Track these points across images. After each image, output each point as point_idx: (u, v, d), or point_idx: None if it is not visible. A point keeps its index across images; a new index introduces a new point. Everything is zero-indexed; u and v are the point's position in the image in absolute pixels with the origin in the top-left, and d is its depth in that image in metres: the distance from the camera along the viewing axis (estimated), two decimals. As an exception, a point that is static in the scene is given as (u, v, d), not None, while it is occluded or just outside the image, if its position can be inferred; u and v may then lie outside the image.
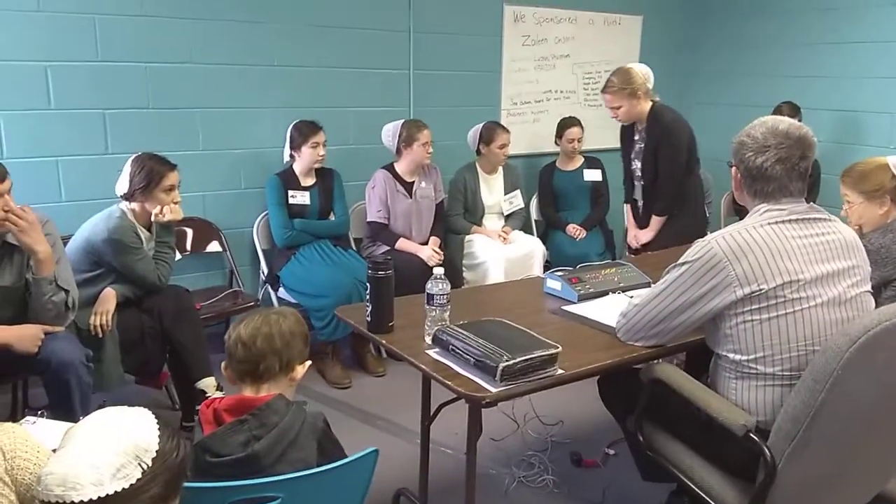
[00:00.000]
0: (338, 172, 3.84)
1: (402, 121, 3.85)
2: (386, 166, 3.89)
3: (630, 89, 3.37)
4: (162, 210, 2.87)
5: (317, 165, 3.67)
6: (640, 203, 3.68)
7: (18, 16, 3.13)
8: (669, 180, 3.46)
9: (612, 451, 2.90)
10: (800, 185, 1.81)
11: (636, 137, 3.58)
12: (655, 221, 3.58)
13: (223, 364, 1.63)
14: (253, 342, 1.57)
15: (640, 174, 3.60)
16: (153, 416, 1.15)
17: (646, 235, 3.62)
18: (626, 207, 3.81)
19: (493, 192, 4.30)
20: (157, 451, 1.10)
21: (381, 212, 3.82)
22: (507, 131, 4.21)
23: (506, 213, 4.32)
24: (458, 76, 4.46)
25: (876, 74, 4.44)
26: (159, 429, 1.13)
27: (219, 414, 1.51)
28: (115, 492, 1.04)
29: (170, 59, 3.51)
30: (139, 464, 1.08)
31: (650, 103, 3.45)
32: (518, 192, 4.34)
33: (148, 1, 3.40)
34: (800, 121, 4.21)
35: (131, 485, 1.06)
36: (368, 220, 3.88)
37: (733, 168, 1.88)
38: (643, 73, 3.41)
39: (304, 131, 3.61)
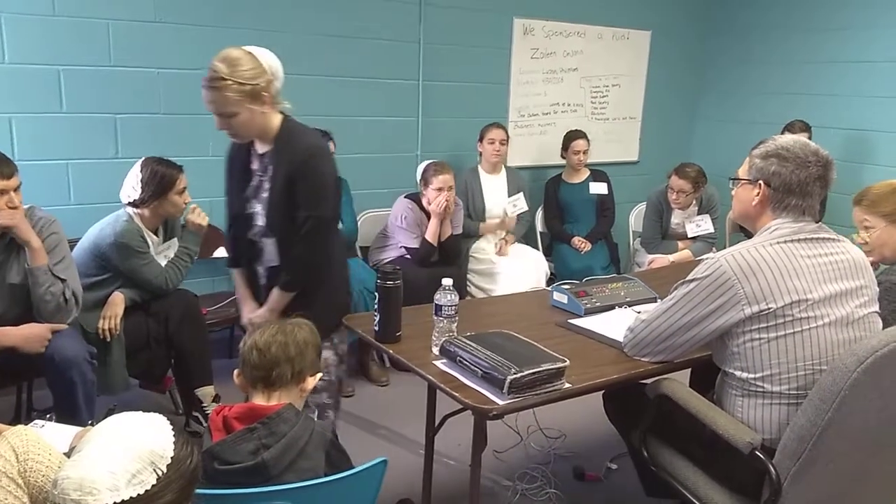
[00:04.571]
0: (346, 181, 3.85)
1: (431, 161, 3.83)
2: (410, 195, 3.86)
3: (252, 88, 2.11)
4: (195, 212, 2.97)
5: None
6: (262, 267, 2.37)
7: (34, 19, 3.16)
8: (312, 233, 2.20)
9: (614, 466, 2.90)
10: (819, 207, 1.83)
11: (254, 166, 2.31)
12: (277, 298, 2.28)
13: (236, 371, 1.65)
14: (268, 349, 1.60)
15: (263, 223, 2.29)
16: (168, 422, 1.16)
17: (261, 317, 2.32)
18: (235, 273, 2.47)
19: (496, 194, 4.29)
20: (171, 458, 1.11)
21: (417, 237, 3.74)
22: (500, 127, 4.20)
23: (509, 216, 4.30)
24: (467, 87, 4.49)
25: (886, 94, 4.45)
26: (174, 435, 1.14)
27: (228, 421, 1.52)
28: (130, 497, 1.05)
29: (182, 66, 3.54)
30: (154, 470, 1.08)
31: (280, 115, 2.24)
32: (521, 194, 4.29)
33: (161, 8, 3.43)
34: (810, 138, 4.20)
35: (146, 491, 1.07)
36: (410, 247, 3.76)
37: (760, 182, 1.82)
38: (271, 66, 2.18)
39: None
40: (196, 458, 1.16)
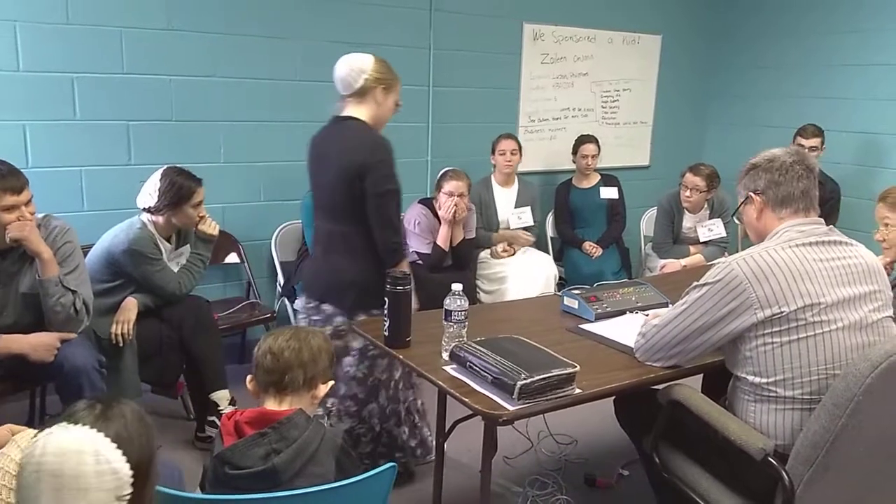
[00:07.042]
0: None
1: (449, 168, 3.82)
2: (424, 201, 3.86)
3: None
4: (206, 222, 3.00)
5: None
6: None
7: (48, 28, 3.19)
8: None
9: (626, 472, 2.88)
10: (820, 205, 1.87)
11: None
12: None
13: (249, 377, 1.66)
14: (281, 353, 1.61)
15: None
16: (99, 435, 1.12)
17: None
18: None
19: (508, 206, 4.28)
20: (130, 467, 1.10)
21: (430, 243, 3.74)
22: (511, 138, 4.19)
23: (513, 228, 4.28)
24: (477, 93, 4.49)
25: (899, 97, 4.42)
26: (116, 447, 1.11)
27: (240, 426, 1.52)
28: None
29: (194, 73, 3.56)
30: (121, 492, 1.09)
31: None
32: (528, 208, 4.28)
33: (174, 16, 3.46)
34: (823, 143, 4.17)
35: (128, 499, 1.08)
36: (422, 252, 3.75)
37: (750, 195, 1.89)
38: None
39: None
40: (148, 433, 1.18)
